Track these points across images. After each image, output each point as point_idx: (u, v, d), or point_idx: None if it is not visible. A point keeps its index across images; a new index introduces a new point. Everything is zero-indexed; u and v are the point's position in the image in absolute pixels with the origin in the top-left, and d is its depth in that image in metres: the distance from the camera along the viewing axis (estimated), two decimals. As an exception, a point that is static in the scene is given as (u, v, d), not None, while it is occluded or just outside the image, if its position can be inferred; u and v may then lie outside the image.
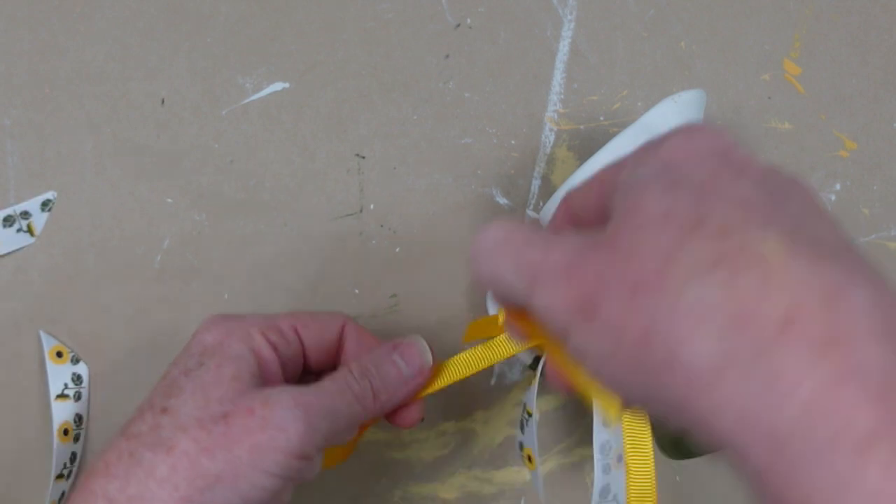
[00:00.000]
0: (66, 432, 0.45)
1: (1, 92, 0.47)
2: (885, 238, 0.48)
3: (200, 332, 0.38)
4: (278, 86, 0.48)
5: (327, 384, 0.37)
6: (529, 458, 0.43)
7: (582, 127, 0.48)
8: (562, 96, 0.48)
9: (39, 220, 0.47)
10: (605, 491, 0.41)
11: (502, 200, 0.48)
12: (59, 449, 0.45)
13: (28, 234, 0.46)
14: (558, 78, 0.48)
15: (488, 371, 0.48)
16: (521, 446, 0.44)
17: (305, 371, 0.41)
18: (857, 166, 0.48)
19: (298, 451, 0.34)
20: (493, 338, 0.41)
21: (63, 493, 0.45)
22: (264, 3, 0.48)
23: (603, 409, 0.40)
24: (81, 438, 0.46)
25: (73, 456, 0.46)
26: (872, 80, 0.49)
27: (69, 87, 0.47)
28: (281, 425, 0.34)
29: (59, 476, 0.45)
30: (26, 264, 0.47)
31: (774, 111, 0.49)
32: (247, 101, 0.48)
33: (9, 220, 0.46)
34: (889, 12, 0.49)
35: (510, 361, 0.48)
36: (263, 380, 0.37)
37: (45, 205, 0.47)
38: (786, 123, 0.49)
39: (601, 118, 0.48)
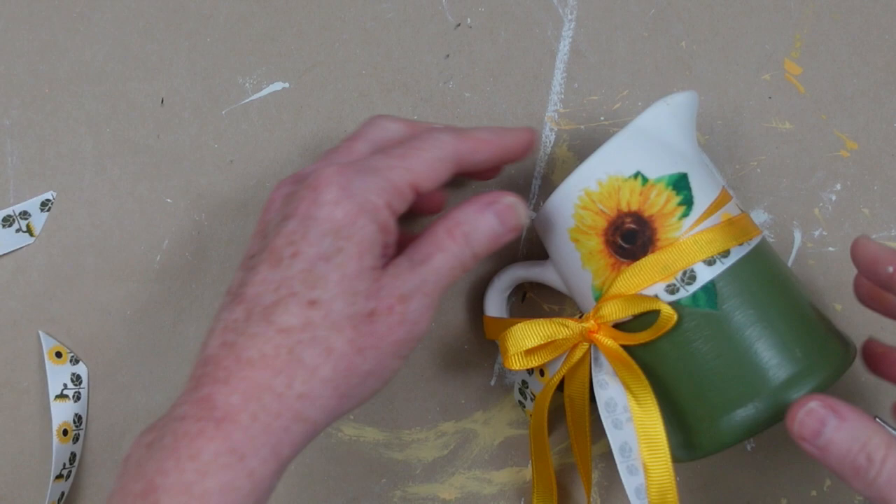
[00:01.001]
0: (65, 433, 0.45)
1: (1, 92, 0.47)
2: (885, 238, 0.48)
3: (328, 205, 0.36)
4: (278, 86, 0.48)
5: (441, 262, 0.38)
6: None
7: (582, 127, 0.48)
8: (562, 96, 0.48)
9: (39, 220, 0.47)
10: (625, 449, 0.40)
11: (502, 200, 0.48)
12: (58, 449, 0.45)
13: (27, 234, 0.46)
14: (558, 78, 0.48)
15: (488, 371, 0.48)
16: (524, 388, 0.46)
17: None
18: (857, 166, 0.48)
19: (425, 335, 0.38)
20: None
21: (63, 493, 0.45)
22: (264, 3, 0.48)
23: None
24: (81, 439, 0.46)
25: (73, 456, 0.46)
26: (873, 80, 0.49)
27: (69, 87, 0.47)
28: (416, 319, 0.37)
29: (59, 476, 0.45)
30: (26, 264, 0.47)
31: (775, 111, 0.49)
32: (247, 101, 0.48)
33: (8, 221, 0.46)
34: (889, 12, 0.49)
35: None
36: (381, 265, 0.37)
37: (45, 205, 0.47)
38: (786, 123, 0.49)
39: (601, 118, 0.48)
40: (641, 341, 0.39)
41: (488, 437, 0.48)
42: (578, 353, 0.41)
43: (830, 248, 0.48)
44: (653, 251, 0.39)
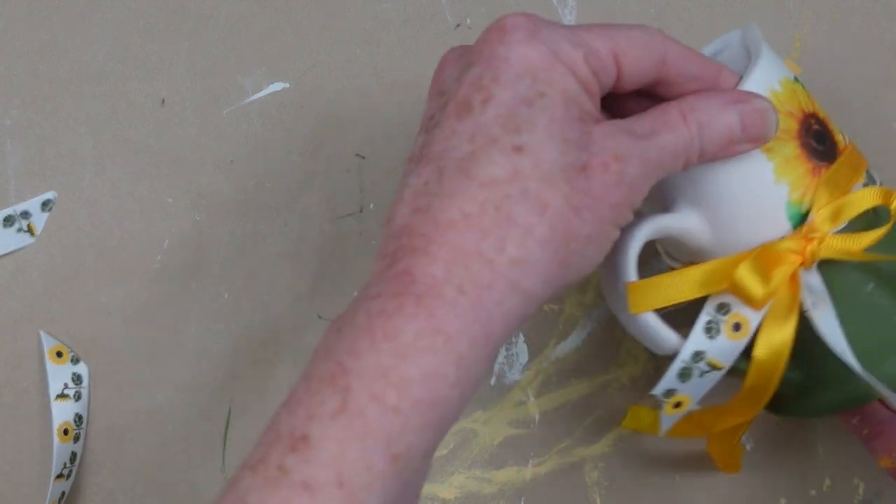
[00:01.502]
0: (66, 432, 0.45)
1: (1, 92, 0.47)
2: (885, 238, 0.48)
3: (517, 44, 0.31)
4: (278, 86, 0.48)
5: (668, 141, 0.32)
6: (678, 405, 0.38)
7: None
8: (562, 96, 0.48)
9: (40, 220, 0.47)
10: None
11: (502, 200, 0.48)
12: (59, 449, 0.45)
13: (28, 234, 0.46)
14: (558, 78, 0.48)
15: (488, 371, 0.48)
16: (671, 393, 0.38)
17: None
18: (857, 166, 0.48)
19: (637, 207, 0.32)
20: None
21: (63, 493, 0.45)
22: (264, 3, 0.48)
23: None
24: (81, 438, 0.46)
25: (73, 456, 0.46)
26: (872, 80, 0.49)
27: (69, 87, 0.47)
28: (634, 184, 0.31)
29: (59, 476, 0.45)
30: (26, 264, 0.47)
31: (774, 111, 0.49)
32: (247, 101, 0.48)
33: (9, 221, 0.46)
34: (889, 12, 0.49)
35: (510, 361, 0.48)
36: (590, 121, 0.32)
37: (46, 205, 0.47)
38: (786, 123, 0.49)
39: (601, 118, 0.48)
40: (874, 240, 0.36)
41: (488, 436, 0.48)
42: (792, 287, 0.36)
43: (830, 248, 0.48)
44: (838, 153, 0.37)
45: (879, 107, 0.49)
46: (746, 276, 0.35)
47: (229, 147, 0.48)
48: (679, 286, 0.36)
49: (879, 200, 0.36)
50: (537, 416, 0.48)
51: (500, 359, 0.48)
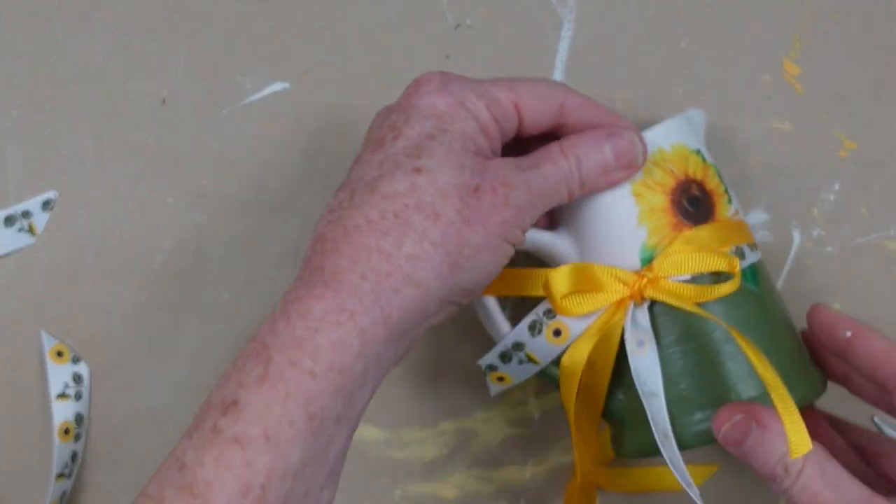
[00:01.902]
0: (66, 432, 0.46)
1: (1, 92, 0.47)
2: (884, 238, 0.48)
3: (428, 94, 0.37)
4: (278, 86, 0.48)
5: (549, 171, 0.38)
6: (501, 379, 0.44)
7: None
8: (562, 96, 0.48)
9: (41, 219, 0.47)
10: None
11: (502, 200, 0.48)
12: (59, 448, 0.45)
13: (29, 234, 0.47)
14: (558, 78, 0.48)
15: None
16: (493, 368, 0.43)
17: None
18: (857, 166, 0.49)
19: (526, 228, 0.37)
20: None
21: (64, 493, 0.45)
22: (264, 3, 0.48)
23: None
24: (82, 438, 0.46)
25: (74, 455, 0.46)
26: (872, 80, 0.49)
27: (69, 87, 0.47)
28: (520, 207, 0.36)
29: (60, 475, 0.45)
30: (26, 264, 0.47)
31: (774, 111, 0.49)
32: (247, 101, 0.48)
33: (10, 220, 0.46)
34: (889, 12, 0.49)
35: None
36: (486, 156, 0.37)
37: (47, 204, 0.47)
38: (786, 123, 0.49)
39: (601, 118, 0.48)
40: (710, 297, 0.39)
41: (488, 436, 0.48)
42: (618, 313, 0.40)
43: (829, 248, 0.48)
44: (711, 222, 0.40)
45: (879, 107, 0.49)
46: (555, 278, 0.39)
47: (229, 147, 0.48)
48: (523, 282, 0.42)
49: (723, 267, 0.39)
50: (537, 416, 0.48)
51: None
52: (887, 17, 0.49)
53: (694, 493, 0.36)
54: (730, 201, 0.41)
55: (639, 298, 0.40)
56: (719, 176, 0.42)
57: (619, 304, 0.40)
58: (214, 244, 0.47)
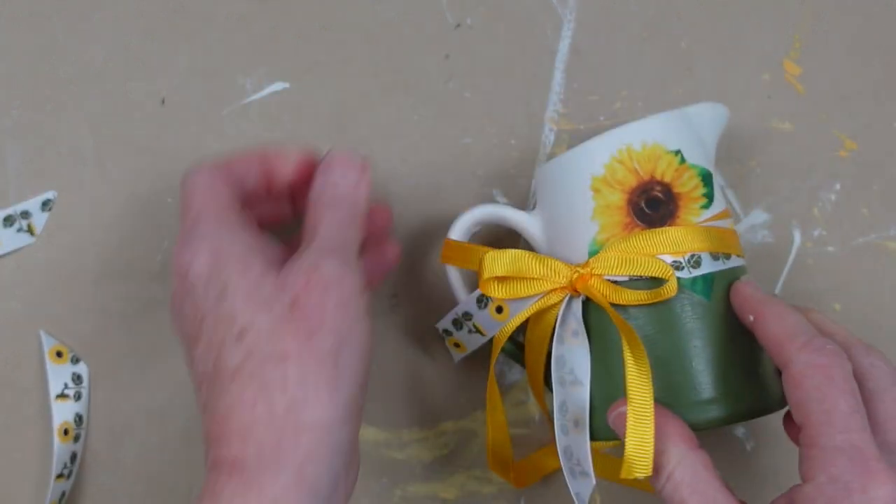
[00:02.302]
0: (66, 432, 0.45)
1: (1, 92, 0.47)
2: (884, 238, 0.48)
3: (190, 263, 0.37)
4: (278, 86, 0.48)
5: (326, 225, 0.38)
6: (457, 345, 0.46)
7: (582, 127, 0.48)
8: (562, 96, 0.48)
9: (40, 219, 0.47)
10: (563, 407, 0.40)
11: (502, 200, 0.48)
12: (59, 449, 0.45)
13: (28, 234, 0.47)
14: (558, 78, 0.48)
15: (489, 371, 0.48)
16: (448, 333, 0.46)
17: None
18: (857, 166, 0.49)
19: (361, 286, 0.37)
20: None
21: (63, 493, 0.45)
22: (264, 3, 0.48)
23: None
24: (82, 438, 0.46)
25: (74, 456, 0.46)
26: (872, 80, 0.49)
27: (69, 87, 0.47)
28: (336, 275, 0.36)
29: (60, 476, 0.45)
30: (26, 264, 0.47)
31: (774, 111, 0.49)
32: (247, 101, 0.48)
33: (9, 220, 0.46)
34: (889, 12, 0.49)
35: (510, 362, 0.48)
36: (271, 262, 0.37)
37: (46, 204, 0.47)
38: (786, 123, 0.49)
39: (601, 118, 0.48)
40: (636, 302, 0.39)
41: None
42: (554, 299, 0.41)
43: (829, 248, 0.48)
44: (670, 226, 0.40)
45: (879, 107, 0.49)
46: (488, 260, 0.41)
47: (229, 147, 0.48)
48: (467, 255, 0.43)
49: (656, 273, 0.39)
50: (537, 416, 0.48)
51: (501, 359, 0.48)
52: (887, 17, 0.49)
53: (586, 485, 0.38)
54: (706, 206, 0.40)
55: (573, 291, 0.41)
56: (704, 179, 0.41)
57: (555, 292, 0.41)
58: (214, 244, 0.47)
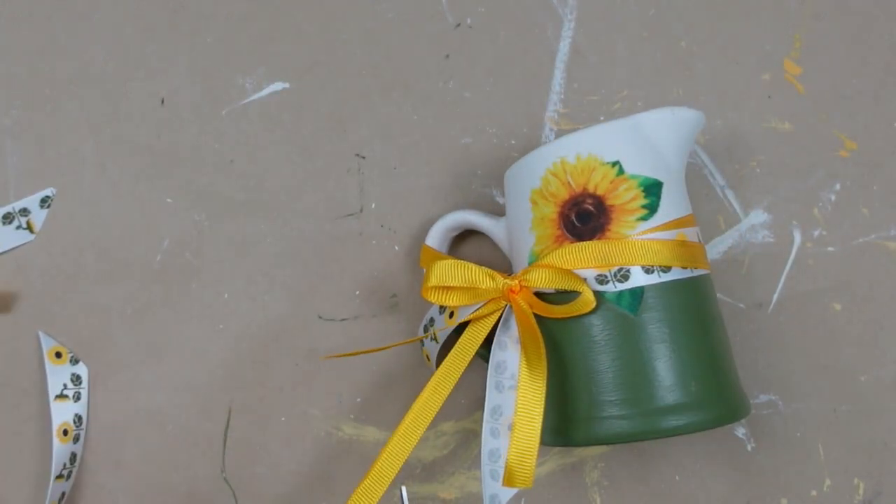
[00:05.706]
0: (65, 432, 0.45)
1: (1, 92, 0.47)
2: (884, 238, 0.48)
3: None
4: (278, 86, 0.48)
5: None
6: (428, 358, 0.46)
7: (582, 127, 0.48)
8: (562, 96, 0.48)
9: (39, 216, 0.47)
10: (496, 411, 0.41)
11: (502, 200, 0.48)
12: (58, 449, 0.45)
13: (27, 231, 0.47)
14: (558, 78, 0.48)
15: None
16: (427, 328, 0.46)
17: None
18: (857, 166, 0.49)
19: None
20: None
21: (63, 494, 0.45)
22: (264, 3, 0.48)
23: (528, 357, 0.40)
24: (81, 439, 0.46)
25: (73, 456, 0.46)
26: (872, 80, 0.49)
27: (69, 87, 0.47)
28: None
29: (59, 476, 0.45)
30: (26, 264, 0.47)
31: (774, 111, 0.49)
32: (247, 101, 0.48)
33: (8, 218, 0.46)
34: (889, 12, 0.49)
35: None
36: None
37: (44, 201, 0.47)
38: (786, 123, 0.49)
39: (601, 118, 0.48)
40: (554, 315, 0.40)
41: (488, 436, 0.48)
42: (492, 307, 0.42)
43: (830, 248, 0.48)
44: (599, 239, 0.40)
45: (879, 107, 0.49)
46: (433, 267, 0.42)
47: (229, 147, 0.48)
48: (426, 259, 0.45)
49: (573, 287, 0.39)
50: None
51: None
52: (887, 17, 0.49)
53: (506, 490, 0.39)
54: (646, 217, 0.40)
55: (506, 300, 0.42)
56: (648, 189, 0.40)
57: (493, 301, 0.42)
58: (214, 244, 0.47)
